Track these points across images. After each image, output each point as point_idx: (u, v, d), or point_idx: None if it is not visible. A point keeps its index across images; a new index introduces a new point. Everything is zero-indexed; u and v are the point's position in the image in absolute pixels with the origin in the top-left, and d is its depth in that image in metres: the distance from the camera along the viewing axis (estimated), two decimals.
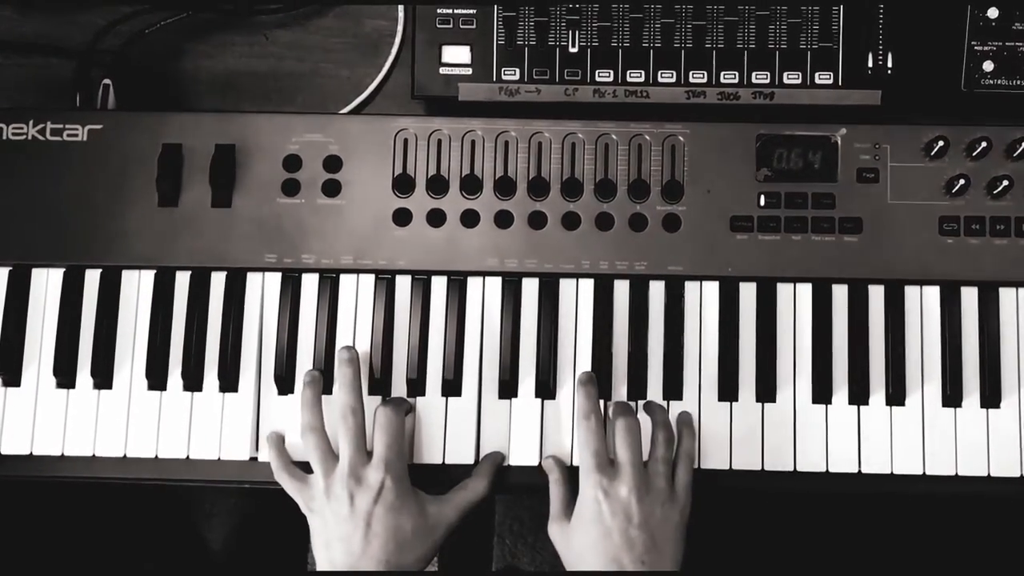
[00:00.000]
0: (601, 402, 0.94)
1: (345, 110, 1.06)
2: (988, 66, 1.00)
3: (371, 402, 0.94)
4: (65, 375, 0.96)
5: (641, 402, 0.96)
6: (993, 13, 0.99)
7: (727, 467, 0.94)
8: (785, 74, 1.00)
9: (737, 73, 1.00)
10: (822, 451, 0.95)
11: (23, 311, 0.97)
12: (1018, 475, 0.94)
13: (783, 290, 0.97)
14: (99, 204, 0.96)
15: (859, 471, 0.94)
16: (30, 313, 0.97)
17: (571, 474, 0.93)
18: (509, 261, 0.96)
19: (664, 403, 0.95)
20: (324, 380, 0.95)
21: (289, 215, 0.96)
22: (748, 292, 0.97)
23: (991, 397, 0.95)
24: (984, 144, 0.96)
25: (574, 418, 0.93)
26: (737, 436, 0.95)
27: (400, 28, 1.07)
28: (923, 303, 0.97)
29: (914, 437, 0.95)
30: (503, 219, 0.97)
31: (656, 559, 0.86)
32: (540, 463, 0.94)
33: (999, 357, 0.96)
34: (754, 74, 0.99)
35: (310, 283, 0.97)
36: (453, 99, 1.00)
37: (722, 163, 0.97)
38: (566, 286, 0.97)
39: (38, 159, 0.97)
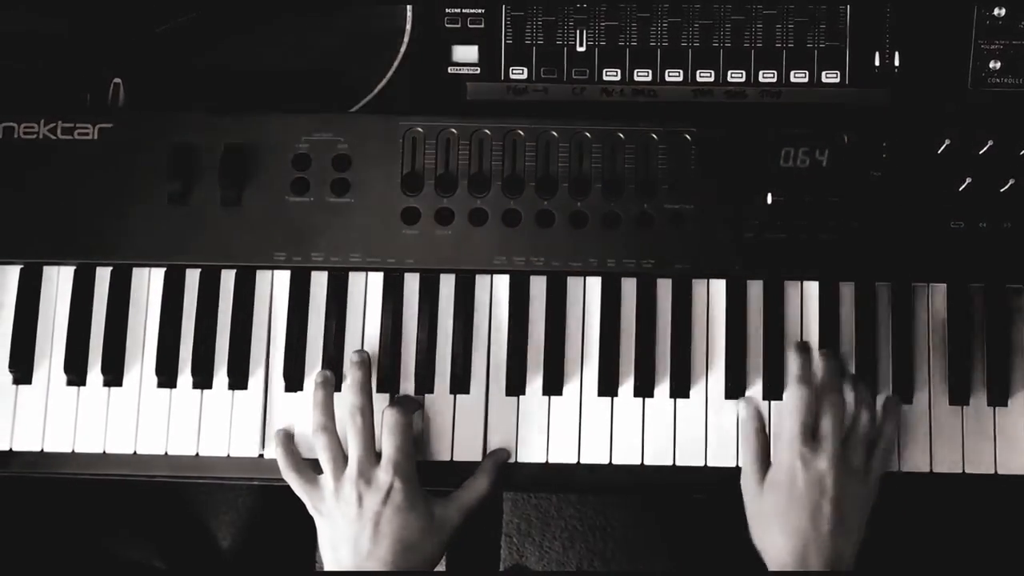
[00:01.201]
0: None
1: (354, 109, 1.06)
2: (995, 65, 1.00)
3: (379, 399, 0.95)
4: (76, 373, 0.96)
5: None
6: (1000, 12, 1.00)
7: (734, 464, 0.94)
8: (792, 73, 1.00)
9: (744, 72, 1.00)
10: None
11: (34, 309, 0.97)
12: None
13: (790, 288, 0.97)
14: (109, 202, 0.97)
15: None
16: (41, 311, 0.97)
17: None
18: (517, 259, 0.97)
19: (671, 401, 0.96)
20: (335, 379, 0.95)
21: (298, 214, 0.97)
22: (755, 290, 0.97)
23: (998, 395, 0.95)
24: (991, 143, 0.96)
25: (787, 380, 0.91)
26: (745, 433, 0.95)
27: (409, 27, 1.07)
28: (931, 301, 0.97)
29: (921, 435, 0.95)
30: (511, 218, 0.97)
31: (840, 539, 0.85)
32: (739, 406, 0.93)
33: (1008, 355, 0.96)
34: (761, 73, 1.00)
35: (319, 281, 0.98)
36: (461, 98, 1.01)
37: (729, 162, 0.97)
38: (573, 284, 0.98)
39: (49, 158, 0.97)
